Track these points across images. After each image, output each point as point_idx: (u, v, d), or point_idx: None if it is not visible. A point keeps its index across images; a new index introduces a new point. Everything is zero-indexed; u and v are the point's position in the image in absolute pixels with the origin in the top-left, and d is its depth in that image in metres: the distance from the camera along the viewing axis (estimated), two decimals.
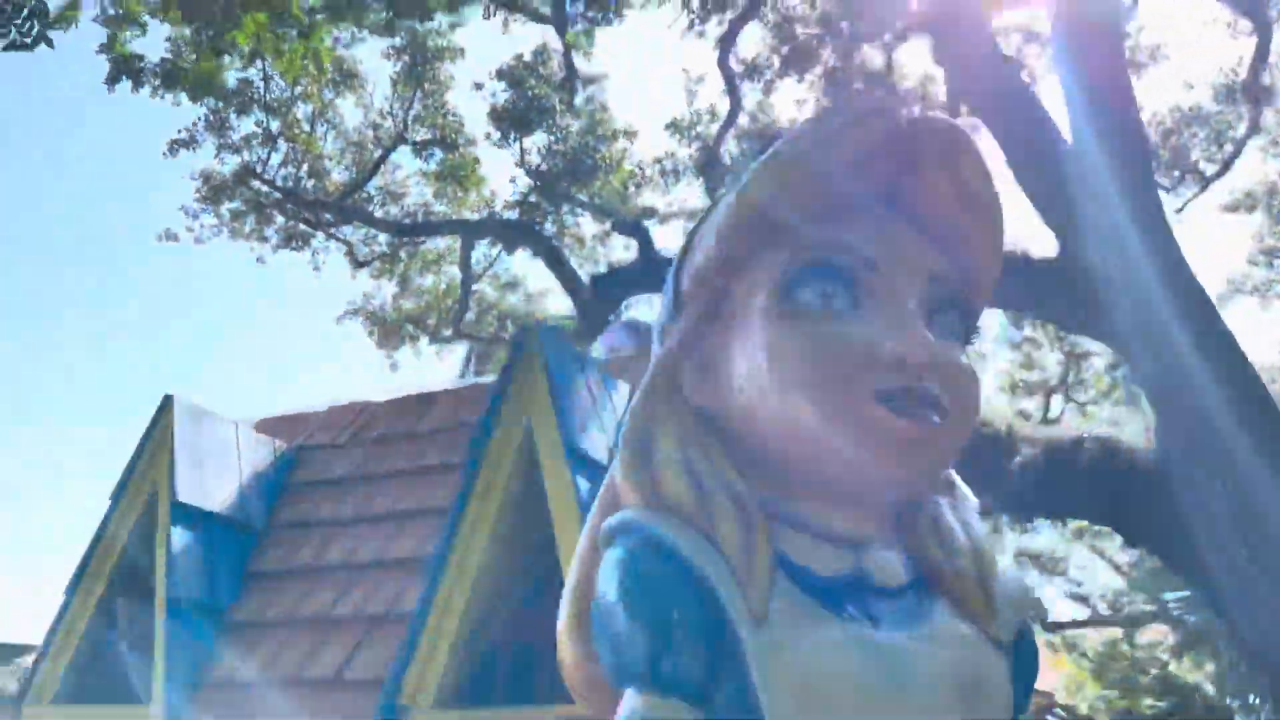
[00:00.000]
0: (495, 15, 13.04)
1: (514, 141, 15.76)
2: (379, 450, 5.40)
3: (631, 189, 14.71)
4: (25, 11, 5.19)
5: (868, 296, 1.38)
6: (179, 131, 13.40)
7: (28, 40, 5.21)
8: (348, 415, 5.88)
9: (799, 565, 1.33)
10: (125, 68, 10.08)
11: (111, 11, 8.75)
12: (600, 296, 10.57)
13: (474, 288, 16.09)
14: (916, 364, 1.32)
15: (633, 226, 12.14)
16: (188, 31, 10.22)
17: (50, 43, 5.32)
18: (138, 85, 10.47)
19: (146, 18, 9.03)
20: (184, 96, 11.19)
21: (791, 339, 1.36)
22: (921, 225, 1.44)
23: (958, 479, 1.55)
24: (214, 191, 14.58)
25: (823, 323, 1.36)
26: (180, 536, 4.43)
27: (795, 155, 1.43)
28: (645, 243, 11.45)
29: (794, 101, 16.37)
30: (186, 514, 4.52)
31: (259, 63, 11.51)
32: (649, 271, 10.32)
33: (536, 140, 15.74)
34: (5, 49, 5.24)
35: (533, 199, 15.25)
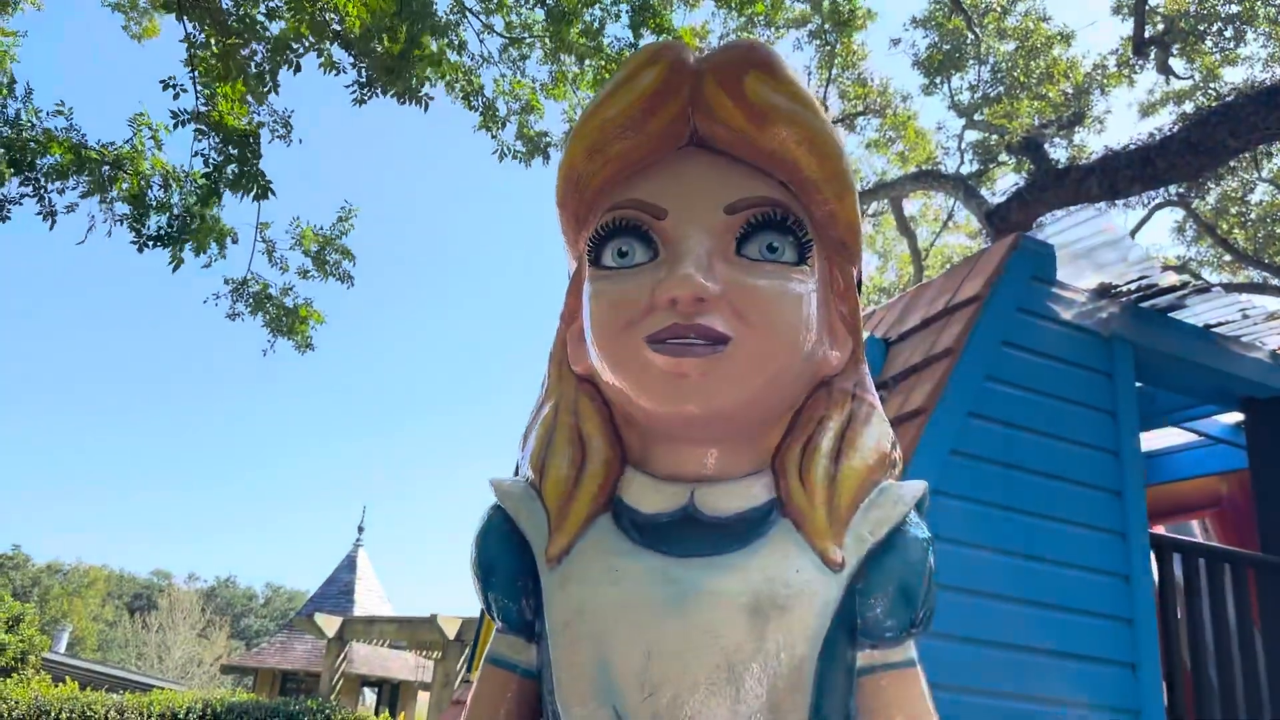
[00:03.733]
0: None
1: (942, 84, 15.17)
2: None
3: (1070, 95, 13.29)
4: None
5: (663, 245, 1.43)
6: None
7: None
8: None
9: (628, 505, 1.47)
10: None
11: None
12: (1006, 221, 9.79)
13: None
14: (684, 300, 1.36)
15: (1022, 145, 11.02)
16: None
17: None
18: None
19: None
20: None
21: (592, 300, 1.46)
22: (726, 156, 1.47)
23: (866, 392, 1.55)
24: None
25: (616, 280, 1.44)
26: None
27: (586, 119, 1.50)
28: (1039, 157, 10.34)
29: None
30: None
31: None
32: (1051, 185, 9.35)
33: (966, 79, 14.98)
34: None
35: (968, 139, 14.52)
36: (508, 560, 1.52)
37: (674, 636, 1.37)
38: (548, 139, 9.69)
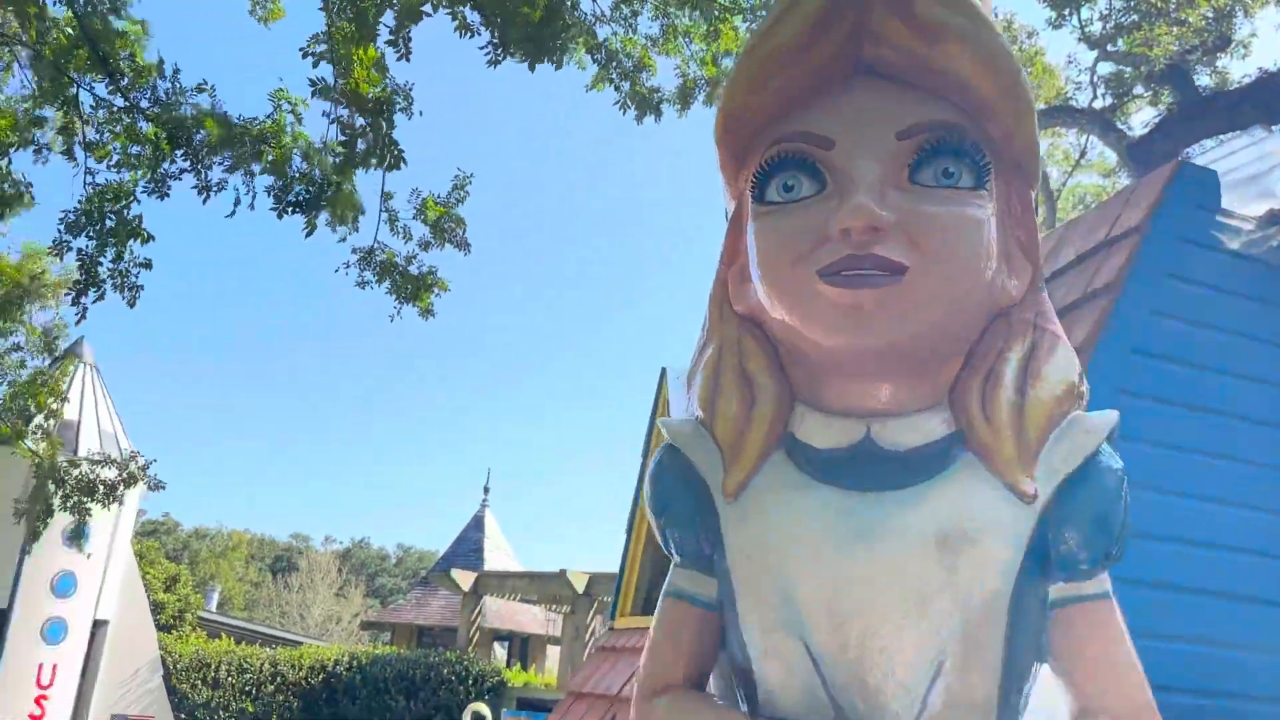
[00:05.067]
0: None
1: (1070, 16, 14.41)
2: None
3: (1211, 19, 12.45)
4: None
5: (831, 175, 1.40)
6: None
7: None
8: None
9: (801, 441, 1.48)
10: None
11: None
12: (1150, 153, 9.27)
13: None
14: (858, 230, 1.32)
15: (1165, 73, 10.35)
16: None
17: None
18: None
19: None
20: None
21: (758, 237, 1.44)
22: (896, 80, 1.42)
23: (1049, 321, 1.49)
24: None
25: (783, 215, 1.41)
26: None
27: (747, 53, 1.47)
28: (1185, 85, 9.71)
29: None
30: None
31: None
32: (1200, 114, 8.79)
33: (1097, 8, 14.19)
34: None
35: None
36: (683, 496, 1.53)
37: (861, 570, 1.36)
38: (659, 95, 9.63)
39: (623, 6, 9.76)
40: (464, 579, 18.67)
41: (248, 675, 14.60)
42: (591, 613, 17.20)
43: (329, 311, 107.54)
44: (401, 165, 5.12)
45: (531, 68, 5.43)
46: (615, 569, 16.06)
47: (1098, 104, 14.30)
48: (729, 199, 1.62)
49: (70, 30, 5.44)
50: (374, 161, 5.11)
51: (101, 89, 5.64)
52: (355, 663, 15.12)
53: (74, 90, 5.57)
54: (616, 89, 8.53)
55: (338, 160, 5.31)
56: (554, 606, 21.34)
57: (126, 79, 5.48)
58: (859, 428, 1.43)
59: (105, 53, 5.22)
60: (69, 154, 5.76)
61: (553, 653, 23.56)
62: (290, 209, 5.41)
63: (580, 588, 16.82)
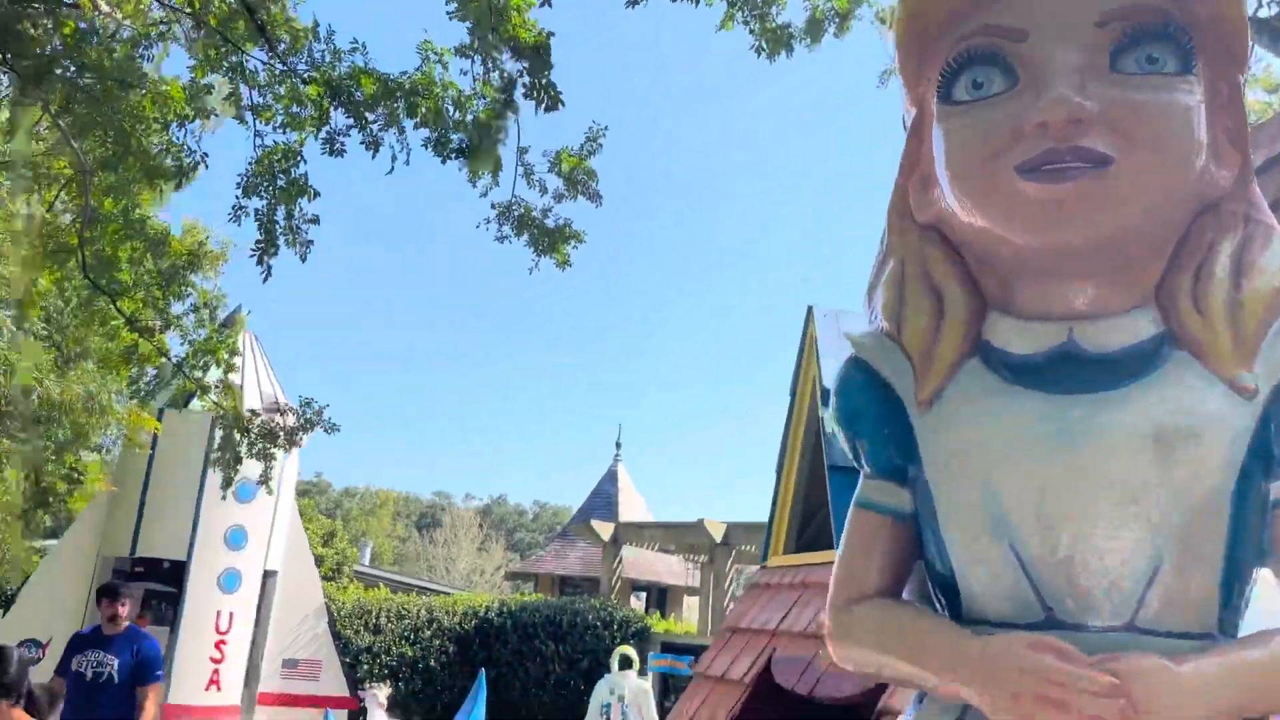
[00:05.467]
0: None
1: None
2: None
3: None
4: None
5: (1023, 69, 1.35)
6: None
7: None
8: None
9: (996, 347, 1.46)
10: None
11: None
12: None
13: None
14: (1057, 124, 1.28)
15: None
16: None
17: None
18: None
19: None
20: None
21: (946, 139, 1.43)
22: None
23: (1261, 212, 1.42)
24: None
25: (973, 113, 1.38)
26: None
27: None
28: None
29: None
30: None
31: None
32: None
33: None
34: None
35: None
36: (873, 407, 1.53)
37: (1070, 472, 1.33)
38: (789, 30, 9.42)
39: None
40: (603, 529, 19.09)
41: (406, 621, 15.35)
42: (730, 561, 17.35)
43: (464, 274, 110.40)
44: (560, 106, 5.20)
45: None
46: (752, 519, 16.18)
47: (1264, 12, 13.22)
48: (908, 105, 1.57)
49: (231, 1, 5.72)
50: (533, 103, 5.21)
51: (261, 55, 5.93)
52: (505, 609, 15.71)
53: (237, 57, 5.86)
54: (747, 26, 8.39)
55: (497, 105, 5.43)
56: (691, 556, 21.60)
57: (284, 44, 5.75)
58: (1060, 330, 1.40)
59: (262, 20, 5.48)
60: (239, 119, 6.10)
61: (689, 603, 23.89)
62: (454, 154, 5.57)
63: (718, 537, 16.96)
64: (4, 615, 12.48)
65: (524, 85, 5.17)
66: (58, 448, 12.09)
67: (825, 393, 5.55)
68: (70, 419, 11.10)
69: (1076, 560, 1.33)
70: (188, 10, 5.69)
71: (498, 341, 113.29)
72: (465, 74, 6.04)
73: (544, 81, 5.11)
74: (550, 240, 7.51)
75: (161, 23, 6.43)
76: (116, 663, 6.21)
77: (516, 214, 7.46)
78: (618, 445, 26.07)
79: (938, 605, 1.53)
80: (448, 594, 20.28)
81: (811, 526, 5.97)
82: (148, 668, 6.23)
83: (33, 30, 5.35)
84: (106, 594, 6.45)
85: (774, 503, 6.01)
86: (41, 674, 10.91)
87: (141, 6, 6.59)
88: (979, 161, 1.36)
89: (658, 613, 20.18)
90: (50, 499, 14.22)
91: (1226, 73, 1.42)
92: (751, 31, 7.97)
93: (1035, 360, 1.40)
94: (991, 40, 1.38)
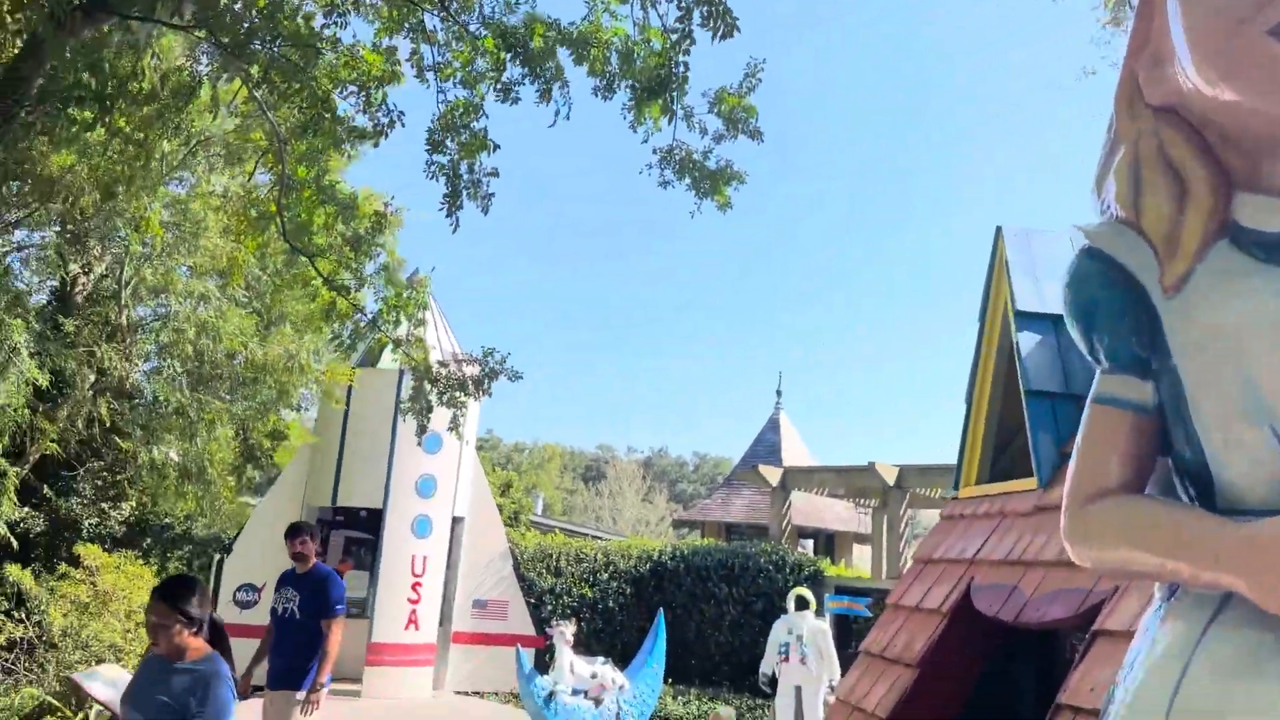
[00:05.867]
0: None
1: None
2: None
3: None
4: None
5: None
6: None
7: None
8: None
9: (1246, 227, 1.41)
10: None
11: None
12: None
13: None
14: None
15: None
16: None
17: None
18: None
19: None
20: None
21: (1192, 5, 1.38)
22: None
23: None
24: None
25: None
26: (1026, 340, 5.22)
27: None
28: None
29: None
30: (1029, 320, 5.28)
31: None
32: None
33: None
34: None
35: None
36: (1112, 297, 1.48)
37: None
38: None
39: None
40: (771, 474, 19.11)
41: (584, 564, 15.88)
42: (904, 504, 17.07)
43: (623, 228, 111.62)
44: (736, 33, 5.17)
45: None
46: (926, 461, 15.85)
47: None
48: None
49: None
50: (710, 32, 5.20)
51: (436, 15, 6.14)
52: (678, 553, 16.02)
53: (417, 18, 6.10)
54: None
55: (675, 39, 5.46)
56: (861, 501, 21.37)
57: (457, 3, 5.94)
58: None
59: None
60: (420, 77, 6.36)
61: (858, 551, 23.68)
62: (643, 96, 5.63)
63: (891, 480, 16.71)
64: (226, 559, 13.66)
65: (700, 14, 5.15)
66: (263, 406, 13.05)
67: (1020, 315, 5.34)
68: (273, 378, 11.96)
69: None
70: None
71: (652, 291, 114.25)
72: (628, 18, 6.09)
73: (720, 8, 5.07)
74: (712, 182, 7.50)
75: None
76: (299, 599, 6.71)
77: (678, 157, 7.49)
78: (778, 393, 25.95)
79: (1186, 499, 1.48)
80: (621, 539, 20.84)
81: (1005, 456, 5.80)
82: (326, 602, 6.65)
83: (233, 4, 5.71)
84: (289, 534, 6.96)
85: (964, 432, 5.86)
86: (260, 614, 11.93)
87: None
88: (1228, 27, 1.30)
89: (827, 558, 20.15)
90: (259, 454, 15.41)
91: None
92: None
93: None
94: None
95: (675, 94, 5.85)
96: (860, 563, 22.23)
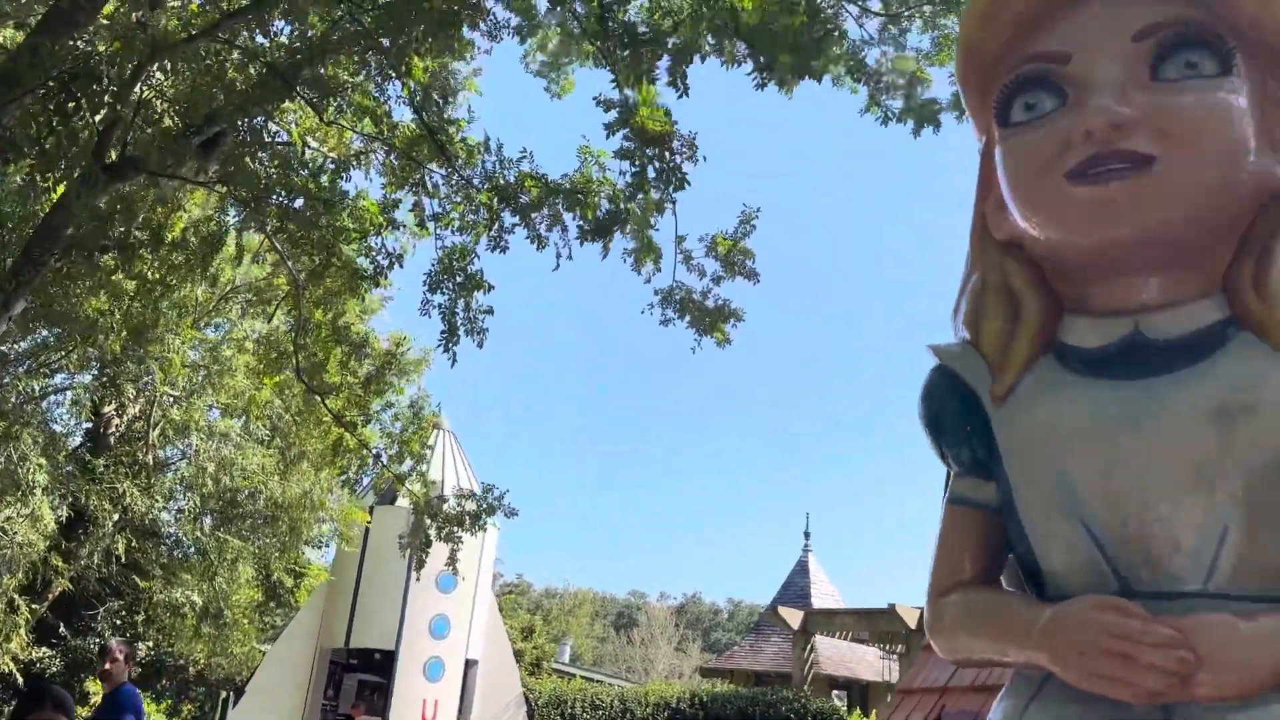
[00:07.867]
0: None
1: None
2: None
3: None
4: None
5: (1070, 88, 1.46)
6: None
7: None
8: None
9: (1068, 344, 1.57)
10: None
11: None
12: None
13: None
14: (1100, 130, 1.37)
15: None
16: None
17: None
18: None
19: None
20: None
21: (1005, 157, 1.56)
22: None
23: None
24: None
25: (1027, 131, 1.49)
26: None
27: None
28: None
29: None
30: None
31: None
32: None
33: None
34: None
35: None
36: (953, 408, 1.64)
37: (1134, 449, 1.41)
38: (937, 105, 9.51)
39: (890, 27, 9.81)
40: (792, 617, 18.71)
41: (600, 711, 15.52)
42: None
43: (636, 381, 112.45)
44: (686, 186, 5.58)
45: (796, 80, 5.71)
46: None
47: None
48: (978, 135, 1.71)
49: (413, 126, 6.51)
50: (662, 184, 5.62)
51: (440, 171, 6.68)
52: (697, 700, 15.62)
53: (420, 174, 6.64)
54: (886, 115, 8.55)
55: (629, 186, 5.88)
56: (887, 646, 20.74)
57: (460, 159, 6.47)
58: (1127, 324, 1.49)
59: (442, 141, 6.22)
60: (421, 226, 6.86)
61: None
62: (590, 236, 6.05)
63: (912, 623, 16.28)
64: (236, 702, 13.54)
65: (655, 169, 5.58)
66: (281, 544, 13.22)
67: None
68: (290, 515, 12.19)
69: (1144, 530, 1.40)
70: (379, 139, 6.50)
71: (681, 440, 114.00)
72: (622, 173, 6.57)
73: (670, 165, 5.49)
74: (711, 320, 7.80)
75: (358, 153, 7.34)
76: None
77: (678, 298, 7.82)
78: (806, 535, 25.64)
79: (1027, 590, 1.60)
80: (639, 685, 20.30)
81: None
82: None
83: (253, 164, 6.25)
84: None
85: None
86: None
87: (344, 139, 7.56)
88: (1033, 173, 1.49)
89: (858, 712, 19.44)
90: (280, 593, 15.45)
91: (1275, 70, 1.50)
92: (887, 115, 8.12)
93: (1105, 352, 1.50)
94: (1039, 65, 1.52)
95: (620, 230, 6.23)
96: None
